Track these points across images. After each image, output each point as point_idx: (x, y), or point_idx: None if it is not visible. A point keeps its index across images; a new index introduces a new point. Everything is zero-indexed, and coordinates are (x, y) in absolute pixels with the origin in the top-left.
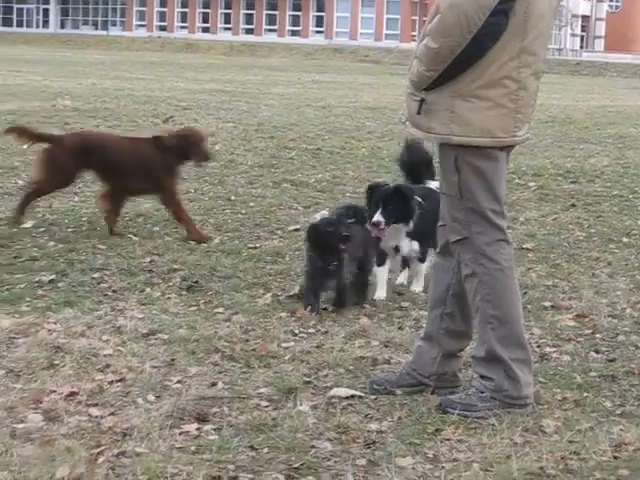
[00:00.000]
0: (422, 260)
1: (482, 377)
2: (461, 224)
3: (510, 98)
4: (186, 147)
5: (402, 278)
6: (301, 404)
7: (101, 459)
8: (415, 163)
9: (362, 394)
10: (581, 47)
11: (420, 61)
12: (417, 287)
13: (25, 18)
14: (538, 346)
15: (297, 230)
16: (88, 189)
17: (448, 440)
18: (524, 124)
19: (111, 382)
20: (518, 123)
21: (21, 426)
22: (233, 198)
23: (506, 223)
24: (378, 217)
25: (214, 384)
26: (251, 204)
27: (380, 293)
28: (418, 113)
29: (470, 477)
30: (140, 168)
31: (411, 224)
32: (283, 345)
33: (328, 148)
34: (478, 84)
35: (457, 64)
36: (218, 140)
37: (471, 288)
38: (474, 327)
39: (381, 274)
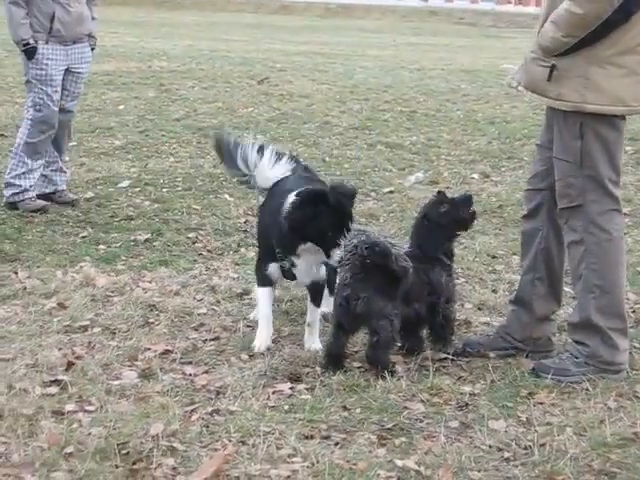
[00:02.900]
0: (320, 301)
1: (577, 342)
2: (576, 191)
3: None
4: None
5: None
6: (394, 365)
7: (195, 416)
8: None
9: (455, 357)
10: None
11: (557, 26)
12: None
13: None
14: (633, 311)
15: (391, 192)
16: (183, 149)
17: (541, 404)
18: None
19: (205, 341)
20: None
21: (116, 383)
22: (327, 159)
23: (620, 193)
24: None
25: None
26: (345, 166)
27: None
28: (548, 80)
29: (563, 441)
30: None
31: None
32: None
33: (423, 110)
34: (614, 51)
35: (599, 30)
36: (313, 102)
37: (575, 255)
38: (575, 293)
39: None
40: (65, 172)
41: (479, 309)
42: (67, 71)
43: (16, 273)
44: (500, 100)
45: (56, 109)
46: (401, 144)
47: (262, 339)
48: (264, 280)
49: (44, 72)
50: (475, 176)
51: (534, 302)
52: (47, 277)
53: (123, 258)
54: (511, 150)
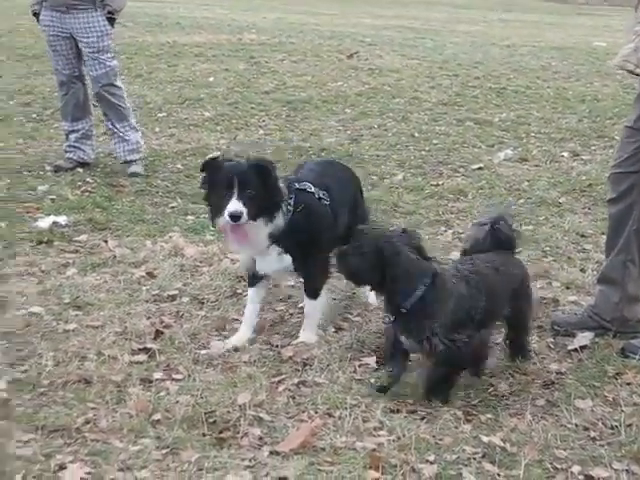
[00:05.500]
0: (312, 292)
1: None
2: None
3: None
4: None
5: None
6: None
7: (281, 387)
8: None
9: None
10: None
11: None
12: (304, 336)
13: None
14: None
15: (480, 169)
16: (272, 122)
17: (628, 384)
18: None
19: (292, 313)
20: None
21: (204, 352)
22: (417, 135)
23: None
24: (236, 205)
25: None
26: (434, 141)
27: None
28: None
29: None
30: None
31: (279, 221)
32: None
33: (513, 87)
34: None
35: None
36: (403, 77)
37: None
38: None
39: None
40: None
41: (567, 288)
42: (74, 39)
43: (106, 242)
44: (591, 78)
45: (61, 76)
46: (490, 121)
47: (236, 337)
48: (247, 279)
49: (46, 37)
50: (565, 154)
51: (627, 283)
52: (136, 246)
53: (212, 229)
54: (601, 129)
